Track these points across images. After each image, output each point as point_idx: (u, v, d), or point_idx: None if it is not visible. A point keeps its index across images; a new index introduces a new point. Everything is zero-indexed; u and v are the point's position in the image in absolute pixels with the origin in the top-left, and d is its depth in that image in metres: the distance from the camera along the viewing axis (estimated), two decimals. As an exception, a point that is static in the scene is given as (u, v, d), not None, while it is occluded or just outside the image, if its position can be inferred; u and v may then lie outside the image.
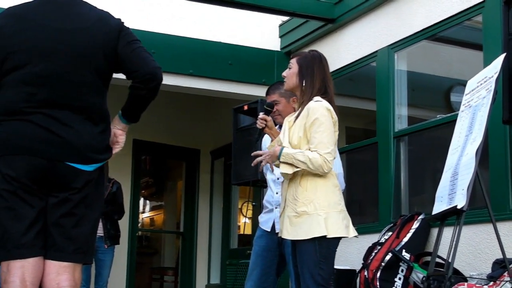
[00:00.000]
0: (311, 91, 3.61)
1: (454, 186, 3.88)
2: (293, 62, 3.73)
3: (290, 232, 3.55)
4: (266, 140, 4.48)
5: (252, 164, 3.77)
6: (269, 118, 3.90)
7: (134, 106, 2.95)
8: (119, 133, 2.99)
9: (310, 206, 3.50)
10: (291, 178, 3.60)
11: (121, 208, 6.92)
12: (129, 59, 2.87)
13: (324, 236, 3.45)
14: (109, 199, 6.64)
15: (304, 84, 3.64)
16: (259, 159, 3.69)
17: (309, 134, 3.52)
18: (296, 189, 3.56)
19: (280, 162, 3.55)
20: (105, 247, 6.71)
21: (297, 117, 3.63)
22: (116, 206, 6.84)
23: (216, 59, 7.05)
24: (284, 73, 3.77)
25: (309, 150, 3.51)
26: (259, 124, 3.86)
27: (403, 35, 5.81)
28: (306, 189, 3.54)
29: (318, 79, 3.63)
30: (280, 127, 4.05)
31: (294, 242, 3.61)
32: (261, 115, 3.92)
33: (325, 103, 3.55)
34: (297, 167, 3.50)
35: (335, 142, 3.59)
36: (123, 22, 2.95)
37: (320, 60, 3.70)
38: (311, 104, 3.56)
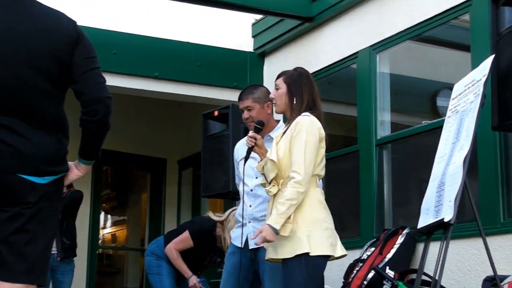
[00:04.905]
0: (300, 107, 3.81)
1: (440, 198, 3.90)
2: (280, 82, 3.93)
3: (275, 251, 3.68)
4: (238, 149, 4.46)
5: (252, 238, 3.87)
6: (258, 137, 4.00)
7: (87, 143, 2.97)
8: (75, 173, 3.01)
9: (294, 223, 3.61)
10: (275, 194, 3.73)
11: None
12: (82, 78, 2.84)
13: (308, 254, 3.56)
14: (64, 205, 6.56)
15: (294, 102, 3.83)
16: (257, 241, 3.72)
17: (291, 145, 3.68)
18: None
19: (280, 230, 3.60)
20: (58, 260, 6.63)
21: (284, 132, 3.80)
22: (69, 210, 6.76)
23: (183, 60, 7.06)
24: (272, 95, 3.98)
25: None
26: (249, 142, 3.94)
27: (385, 35, 5.84)
28: None
29: (306, 95, 3.84)
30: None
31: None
32: (251, 133, 4.04)
33: (313, 118, 3.75)
34: (290, 214, 3.61)
35: (321, 157, 3.79)
36: (79, 28, 2.91)
37: (307, 76, 3.93)
38: (298, 118, 3.74)
